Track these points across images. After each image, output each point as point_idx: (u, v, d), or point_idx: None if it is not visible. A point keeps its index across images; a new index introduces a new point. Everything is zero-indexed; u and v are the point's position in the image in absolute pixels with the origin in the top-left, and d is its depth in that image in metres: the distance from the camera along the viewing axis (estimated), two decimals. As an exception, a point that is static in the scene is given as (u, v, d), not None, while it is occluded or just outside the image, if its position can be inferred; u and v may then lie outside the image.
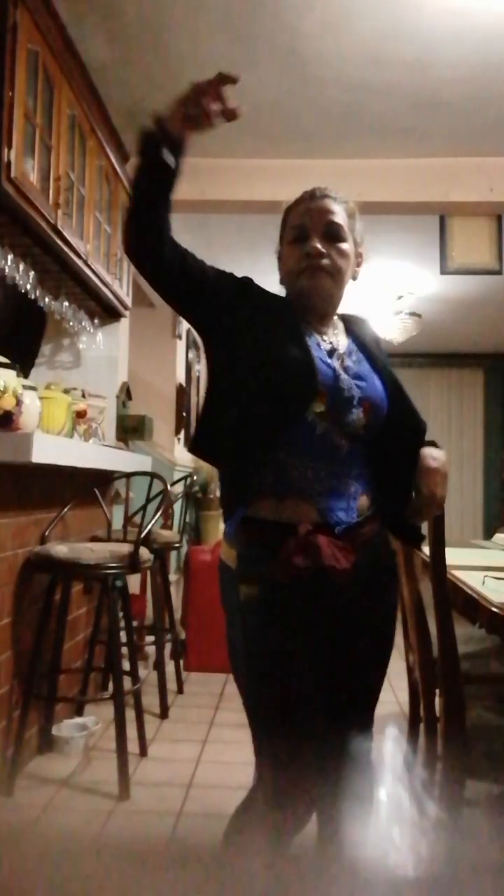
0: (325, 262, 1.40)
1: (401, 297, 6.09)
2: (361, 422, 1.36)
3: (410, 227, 4.66)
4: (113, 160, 3.46)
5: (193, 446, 1.47)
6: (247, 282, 1.46)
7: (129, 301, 3.91)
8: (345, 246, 1.43)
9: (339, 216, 1.43)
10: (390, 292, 6.03)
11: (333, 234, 1.42)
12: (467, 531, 8.24)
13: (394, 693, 3.68)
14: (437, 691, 2.19)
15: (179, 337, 6.00)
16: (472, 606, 2.02)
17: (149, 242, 1.40)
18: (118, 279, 3.66)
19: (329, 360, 1.39)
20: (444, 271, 4.30)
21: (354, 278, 1.49)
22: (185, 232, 5.63)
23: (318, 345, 1.41)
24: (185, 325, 6.18)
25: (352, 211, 1.47)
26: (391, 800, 2.48)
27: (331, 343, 1.43)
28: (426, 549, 2.32)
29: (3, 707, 2.47)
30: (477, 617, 1.98)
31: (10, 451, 2.18)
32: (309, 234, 1.41)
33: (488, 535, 6.80)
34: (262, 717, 1.34)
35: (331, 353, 1.41)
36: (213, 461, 1.46)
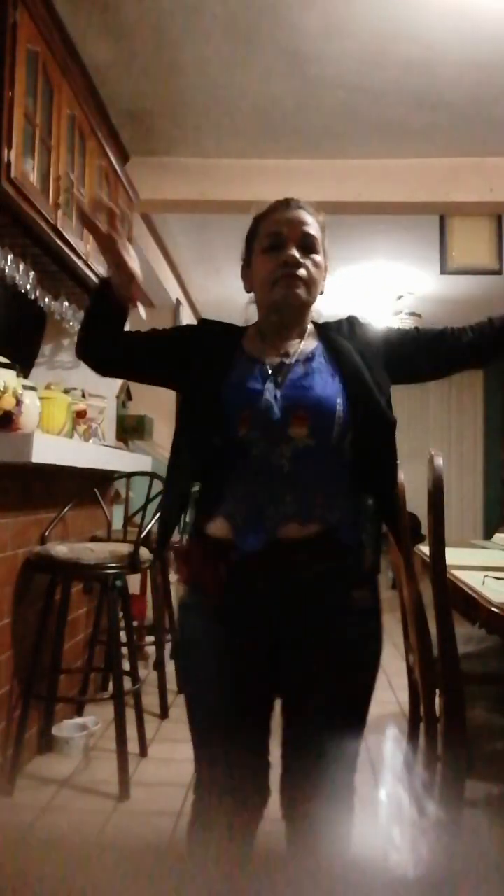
0: (302, 271, 1.38)
1: (401, 297, 6.09)
2: (301, 433, 1.31)
3: (410, 227, 4.67)
4: (113, 160, 3.46)
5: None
6: (196, 328, 1.53)
7: (129, 301, 3.91)
8: (319, 258, 1.42)
9: (314, 228, 1.42)
10: (390, 292, 6.04)
11: (309, 246, 1.40)
12: (467, 531, 8.24)
13: (394, 693, 3.68)
14: (437, 691, 2.19)
15: (179, 337, 6.00)
16: (472, 606, 2.02)
17: (94, 354, 1.50)
18: (118, 279, 3.65)
19: (255, 383, 1.35)
20: (443, 271, 4.30)
21: (322, 292, 1.47)
22: (185, 232, 5.65)
23: (257, 366, 1.39)
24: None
25: (323, 224, 1.46)
26: (391, 800, 2.48)
27: (282, 356, 1.40)
28: (426, 549, 2.32)
29: (3, 707, 2.47)
30: (477, 617, 1.98)
31: (10, 451, 2.18)
32: (285, 242, 1.39)
33: (488, 535, 6.80)
34: (189, 715, 1.42)
35: (278, 368, 1.38)
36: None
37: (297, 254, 1.38)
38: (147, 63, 3.10)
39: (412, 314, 6.22)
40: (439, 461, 2.06)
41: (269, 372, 1.38)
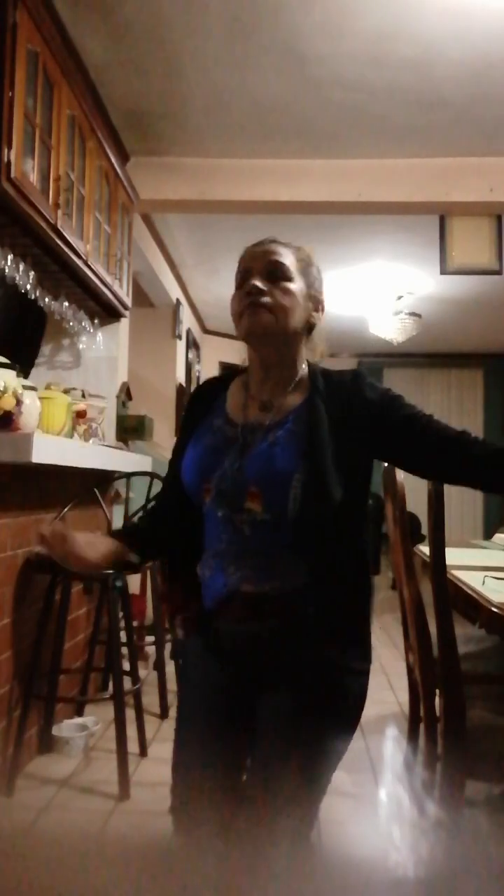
0: (266, 299, 1.34)
1: (401, 297, 6.09)
2: (255, 509, 1.30)
3: (410, 227, 4.67)
4: (113, 160, 3.46)
5: None
6: (190, 400, 1.54)
7: (128, 301, 3.91)
8: (290, 285, 1.36)
9: (285, 257, 1.38)
10: (390, 292, 6.04)
11: (276, 274, 1.36)
12: (467, 531, 8.24)
13: (394, 693, 3.68)
14: (437, 691, 2.19)
15: (179, 337, 6.00)
16: (472, 606, 2.02)
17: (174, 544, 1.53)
18: (118, 279, 3.66)
19: (218, 454, 1.36)
20: (443, 271, 4.30)
21: (312, 326, 1.41)
22: (185, 232, 5.65)
23: (227, 431, 1.39)
24: (184, 325, 6.19)
25: (304, 256, 1.42)
26: (391, 800, 2.48)
27: (265, 414, 1.38)
28: (426, 549, 2.32)
29: (3, 707, 2.47)
30: (477, 617, 1.99)
31: (10, 451, 2.18)
32: (251, 274, 1.37)
33: (488, 535, 6.80)
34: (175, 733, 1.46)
35: (252, 429, 1.36)
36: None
37: (259, 283, 1.35)
38: (147, 63, 3.10)
39: (412, 314, 6.22)
40: (439, 461, 2.05)
41: (239, 439, 1.36)
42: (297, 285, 1.38)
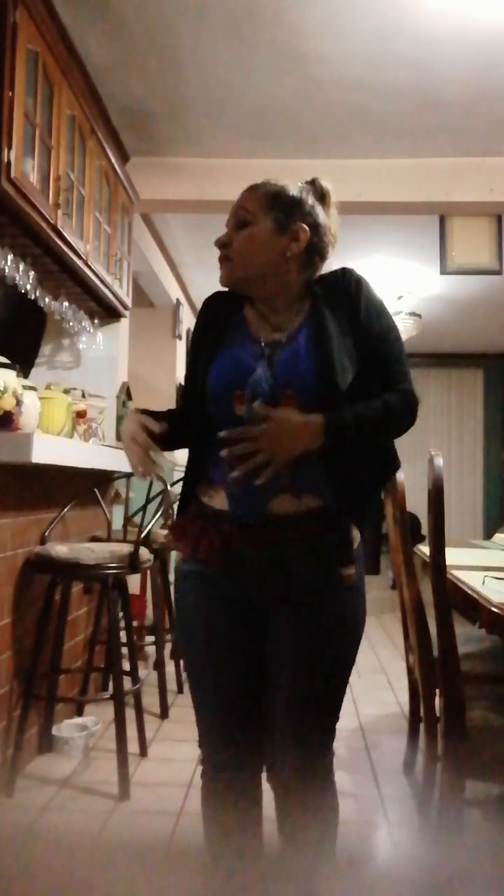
0: (225, 250, 1.44)
1: (401, 297, 6.09)
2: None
3: (410, 227, 4.66)
4: (113, 160, 3.46)
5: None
6: (201, 312, 1.55)
7: (129, 301, 3.91)
8: (249, 230, 1.43)
9: (250, 203, 1.45)
10: (390, 292, 6.03)
11: (240, 222, 1.45)
12: (467, 531, 8.24)
13: (394, 693, 3.68)
14: (437, 691, 2.19)
15: (179, 337, 6.01)
16: (472, 606, 2.02)
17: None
18: (118, 279, 3.66)
19: (249, 362, 1.41)
20: (444, 271, 4.30)
21: (291, 256, 1.42)
22: (185, 232, 5.64)
23: (251, 342, 1.44)
24: (184, 325, 6.18)
25: (271, 191, 1.45)
26: (391, 800, 2.48)
27: (278, 332, 1.44)
28: (426, 549, 2.32)
29: (3, 707, 2.47)
30: (477, 617, 1.98)
31: (10, 451, 2.18)
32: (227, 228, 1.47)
33: (488, 535, 6.81)
34: (190, 685, 1.50)
35: (273, 344, 1.42)
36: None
37: (222, 236, 1.45)
38: (147, 63, 3.10)
39: (412, 314, 6.22)
40: (439, 461, 2.06)
41: (264, 353, 1.42)
42: (259, 226, 1.43)
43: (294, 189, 1.46)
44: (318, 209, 1.46)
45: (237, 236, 1.44)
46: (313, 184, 1.49)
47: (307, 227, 1.43)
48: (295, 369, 1.39)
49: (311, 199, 1.46)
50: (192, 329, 1.62)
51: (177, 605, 1.51)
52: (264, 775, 1.49)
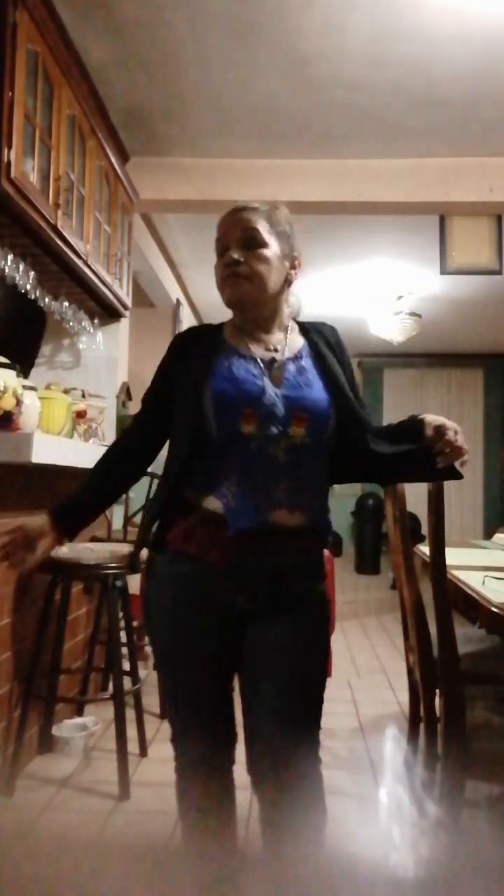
0: (242, 268, 1.43)
1: (401, 297, 6.09)
2: (299, 433, 1.40)
3: (410, 227, 4.66)
4: (113, 160, 3.46)
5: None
6: (172, 349, 1.56)
7: (129, 301, 3.91)
8: (265, 251, 1.45)
9: (258, 223, 1.46)
10: (390, 292, 6.03)
11: (250, 242, 1.45)
12: (467, 531, 8.24)
13: (394, 693, 3.68)
14: (437, 691, 2.19)
15: (179, 337, 6.00)
16: (472, 606, 2.02)
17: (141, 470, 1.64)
18: (118, 279, 3.66)
19: (254, 380, 1.42)
20: (444, 271, 4.30)
21: (290, 282, 1.50)
22: (185, 232, 5.63)
23: (246, 360, 1.45)
24: (184, 325, 6.19)
25: (277, 217, 1.49)
26: (391, 800, 2.48)
27: (273, 352, 1.47)
28: (426, 549, 2.32)
29: (3, 707, 2.47)
30: (477, 617, 1.99)
31: (10, 451, 2.18)
32: (228, 245, 1.46)
33: (488, 535, 6.81)
34: (165, 684, 1.52)
35: (270, 363, 1.45)
36: None
37: (235, 254, 1.44)
38: (147, 63, 3.10)
39: (412, 314, 6.22)
40: (439, 461, 2.05)
41: (263, 367, 1.44)
42: (271, 250, 1.46)
43: (284, 213, 1.51)
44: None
45: (250, 256, 1.44)
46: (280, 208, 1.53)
47: (299, 254, 1.51)
48: (305, 387, 1.43)
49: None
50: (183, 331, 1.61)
51: (150, 604, 1.50)
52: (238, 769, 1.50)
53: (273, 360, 1.45)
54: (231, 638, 1.45)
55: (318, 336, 1.53)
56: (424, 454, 1.42)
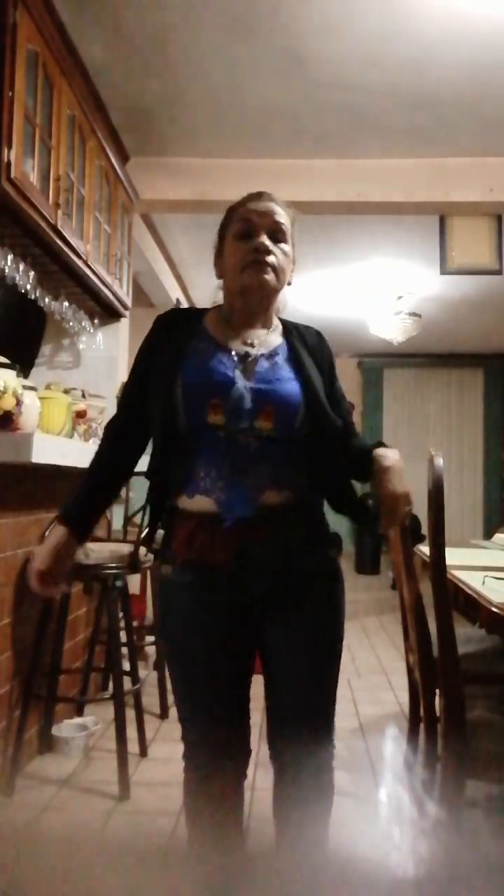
0: (272, 258, 1.44)
1: (401, 297, 6.09)
2: (266, 426, 1.39)
3: (410, 227, 4.66)
4: (113, 160, 3.46)
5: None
6: (152, 332, 1.55)
7: (129, 301, 3.91)
8: (287, 248, 1.48)
9: (284, 218, 1.48)
10: (390, 292, 6.03)
11: (279, 235, 1.47)
12: (467, 531, 8.24)
13: (394, 693, 3.68)
14: (437, 691, 2.19)
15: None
16: (472, 606, 2.02)
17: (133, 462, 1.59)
18: (118, 279, 3.66)
19: (225, 371, 1.42)
20: (444, 271, 4.30)
21: (290, 283, 1.53)
22: (185, 232, 5.65)
23: (221, 351, 1.45)
24: (185, 325, 6.18)
25: (293, 217, 1.51)
26: (391, 800, 2.48)
27: (249, 346, 1.47)
28: (426, 549, 2.32)
29: (3, 707, 2.47)
30: (477, 617, 1.99)
31: (10, 451, 2.18)
32: (256, 230, 1.45)
33: (488, 535, 6.81)
34: (174, 688, 1.50)
35: (244, 357, 1.45)
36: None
37: (267, 241, 1.45)
38: (147, 63, 3.10)
39: (412, 314, 6.22)
40: (439, 461, 2.06)
41: (237, 360, 1.44)
42: (289, 248, 1.49)
43: (294, 214, 1.52)
44: None
45: (276, 248, 1.46)
46: None
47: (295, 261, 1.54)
48: (276, 382, 1.42)
49: None
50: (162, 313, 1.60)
51: (166, 614, 1.48)
52: (249, 778, 1.51)
53: (247, 355, 1.45)
54: (248, 636, 1.44)
55: (298, 337, 1.53)
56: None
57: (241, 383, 1.40)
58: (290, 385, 1.43)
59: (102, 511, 1.56)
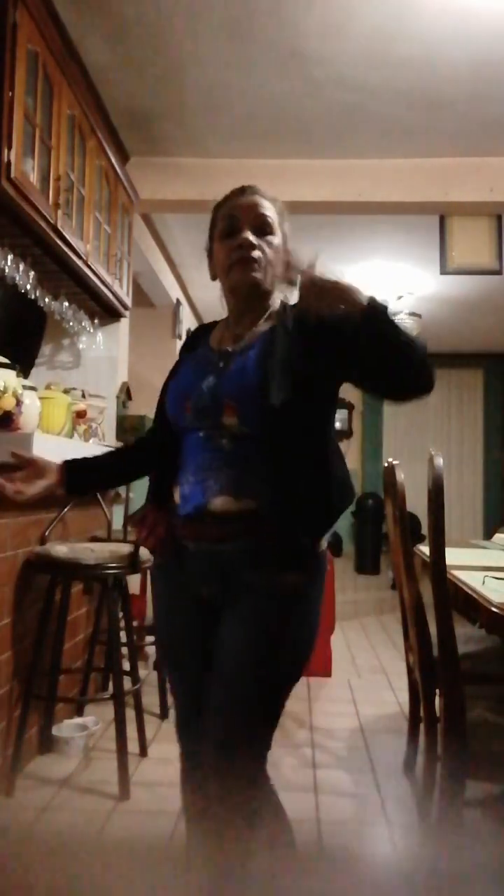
0: (256, 253, 1.41)
1: (401, 297, 6.09)
2: (232, 422, 1.37)
3: (410, 227, 4.66)
4: (113, 160, 3.46)
5: None
6: (185, 341, 1.60)
7: (129, 301, 3.91)
8: (274, 239, 1.44)
9: (269, 210, 1.45)
10: (390, 292, 6.03)
11: (264, 228, 1.43)
12: (467, 531, 8.24)
13: (394, 693, 3.68)
14: (437, 691, 2.19)
15: (179, 337, 6.00)
16: (472, 606, 2.02)
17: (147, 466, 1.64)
18: (118, 279, 3.66)
19: (198, 374, 1.44)
20: (443, 271, 4.30)
21: (293, 282, 1.34)
22: (185, 232, 5.65)
23: (210, 352, 1.48)
24: (184, 325, 6.18)
25: (281, 209, 1.48)
26: (391, 800, 2.48)
27: (233, 343, 1.46)
28: (426, 549, 2.32)
29: (3, 707, 2.47)
30: (477, 617, 1.98)
31: (10, 451, 2.17)
32: (240, 227, 1.42)
33: (488, 535, 6.80)
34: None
35: (227, 355, 1.44)
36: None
37: (251, 237, 1.41)
38: (147, 63, 3.10)
39: (412, 314, 6.22)
40: (439, 461, 2.06)
41: (217, 361, 1.44)
42: (277, 239, 1.44)
43: (282, 206, 1.50)
44: None
45: (262, 242, 1.42)
46: None
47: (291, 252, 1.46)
48: (241, 380, 1.39)
49: None
50: (191, 330, 1.64)
51: (152, 595, 1.59)
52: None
53: (229, 353, 1.44)
54: (208, 627, 1.45)
55: (286, 316, 1.43)
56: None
57: (207, 383, 1.41)
58: (248, 376, 1.37)
59: (100, 482, 1.69)
